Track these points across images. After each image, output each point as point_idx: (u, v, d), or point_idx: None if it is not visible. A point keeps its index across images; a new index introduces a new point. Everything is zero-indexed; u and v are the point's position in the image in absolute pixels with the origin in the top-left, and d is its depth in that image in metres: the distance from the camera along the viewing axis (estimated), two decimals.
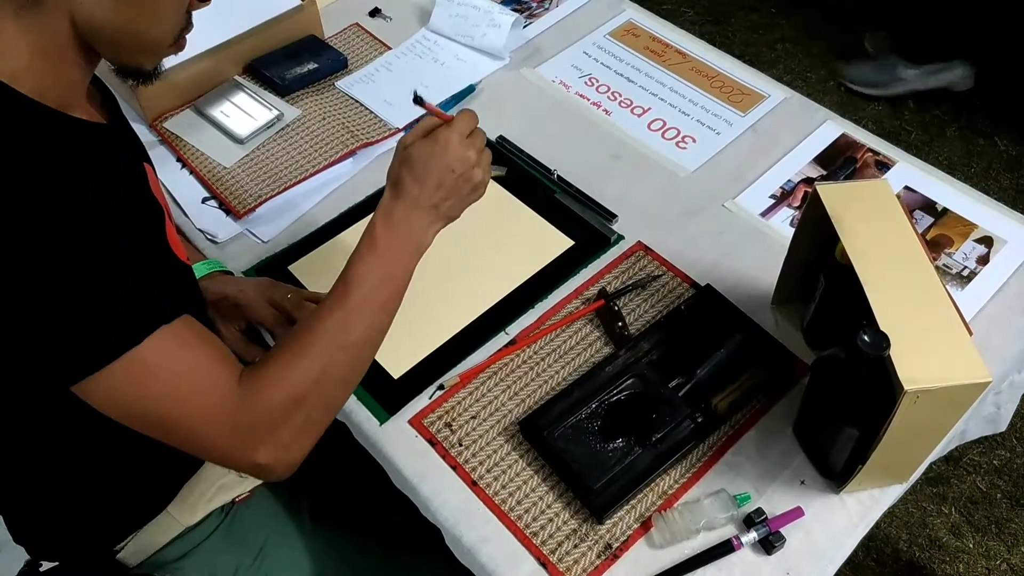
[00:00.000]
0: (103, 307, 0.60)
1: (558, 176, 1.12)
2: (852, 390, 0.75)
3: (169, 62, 0.75)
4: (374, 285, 0.74)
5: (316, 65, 1.25)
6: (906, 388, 0.67)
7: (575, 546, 0.80)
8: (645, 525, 0.81)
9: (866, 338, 0.69)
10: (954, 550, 1.53)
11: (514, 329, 0.97)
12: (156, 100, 1.19)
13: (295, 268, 1.04)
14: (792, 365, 0.91)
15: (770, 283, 0.96)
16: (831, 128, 1.18)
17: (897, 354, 0.69)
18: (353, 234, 1.07)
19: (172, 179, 1.14)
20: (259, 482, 0.95)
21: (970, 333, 0.79)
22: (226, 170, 1.15)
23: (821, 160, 1.14)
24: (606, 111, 1.22)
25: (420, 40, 1.33)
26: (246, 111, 1.19)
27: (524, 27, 1.34)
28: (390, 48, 1.32)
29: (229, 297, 0.95)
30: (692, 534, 0.80)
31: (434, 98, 1.20)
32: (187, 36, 0.72)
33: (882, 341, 0.69)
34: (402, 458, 0.87)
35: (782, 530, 0.79)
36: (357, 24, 1.37)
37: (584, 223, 1.06)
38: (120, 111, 0.79)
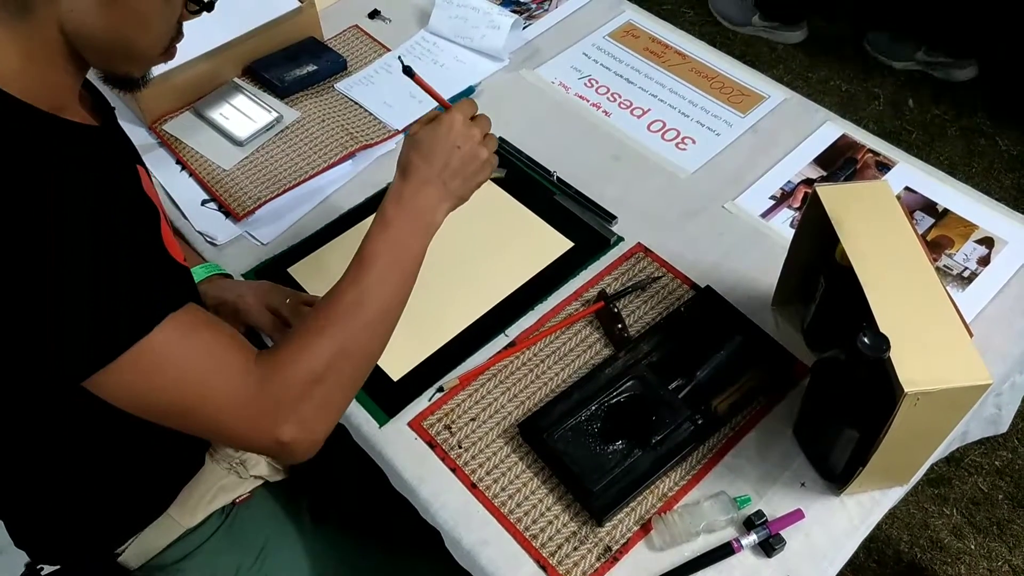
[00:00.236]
0: (110, 300, 0.60)
1: (558, 178, 1.12)
2: (852, 392, 0.75)
3: (169, 64, 0.75)
4: (388, 263, 0.74)
5: (315, 67, 1.25)
6: (906, 390, 0.67)
7: (575, 548, 0.80)
8: (645, 527, 0.81)
9: (866, 340, 0.69)
10: (956, 551, 1.53)
11: (514, 331, 0.97)
12: (155, 102, 1.19)
13: (294, 270, 1.04)
14: (792, 366, 0.91)
15: (770, 284, 0.96)
16: (831, 129, 1.17)
17: (897, 356, 0.69)
18: (353, 236, 1.07)
19: (171, 181, 1.15)
20: (259, 483, 0.95)
21: (971, 334, 0.79)
22: (225, 172, 1.15)
23: (821, 161, 1.14)
24: (606, 112, 1.22)
25: (419, 42, 1.33)
26: (245, 113, 1.19)
27: (523, 28, 1.34)
28: (389, 50, 1.32)
29: (228, 302, 0.95)
30: (692, 536, 0.80)
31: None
32: (183, 40, 0.72)
33: (882, 343, 0.69)
34: (401, 460, 0.87)
35: (782, 532, 0.79)
36: (356, 26, 1.37)
37: (584, 225, 1.06)
38: (112, 114, 0.79)
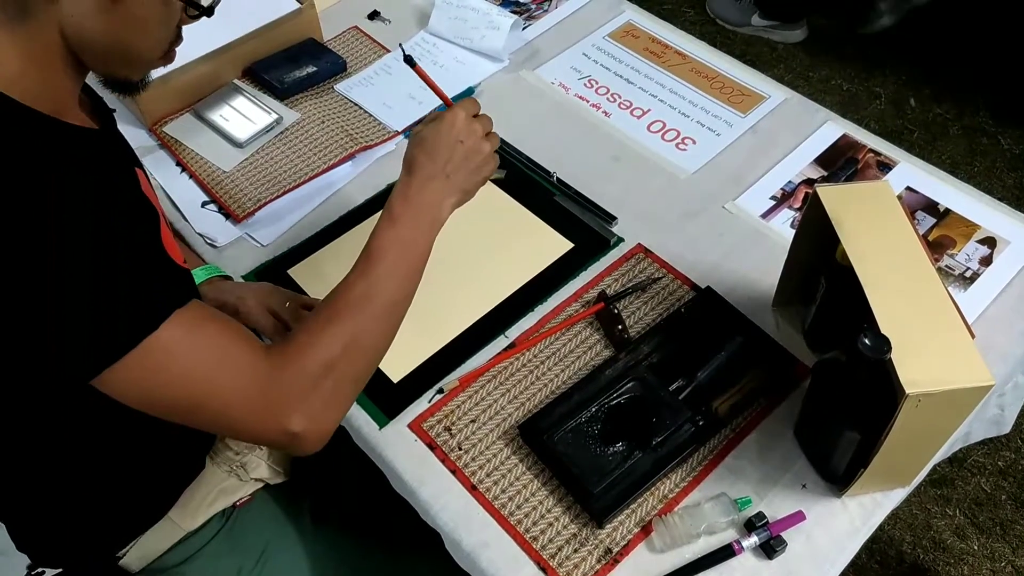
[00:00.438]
0: (115, 298, 0.60)
1: (557, 178, 1.11)
2: (853, 393, 0.74)
3: (169, 66, 0.75)
4: (395, 257, 0.76)
5: (315, 68, 1.25)
6: (907, 392, 0.67)
7: (575, 550, 0.80)
8: (645, 529, 0.81)
9: (867, 341, 0.69)
10: (958, 552, 1.52)
11: (513, 332, 0.96)
12: (155, 104, 1.19)
13: (294, 272, 1.04)
14: (793, 367, 0.91)
15: (771, 285, 0.96)
16: (832, 129, 1.17)
17: (898, 357, 0.68)
18: (354, 237, 1.07)
19: (171, 183, 1.15)
20: (260, 486, 0.95)
21: (972, 335, 0.79)
22: (225, 174, 1.15)
23: (822, 161, 1.13)
24: (606, 113, 1.21)
25: (419, 43, 1.33)
26: (245, 115, 1.19)
27: (523, 29, 1.34)
28: (389, 51, 1.32)
29: (228, 305, 0.95)
30: (693, 538, 0.79)
31: (434, 100, 1.20)
32: (183, 42, 0.72)
33: (883, 344, 0.69)
34: (401, 462, 0.87)
35: (783, 534, 0.79)
36: (356, 27, 1.37)
37: (584, 225, 1.06)
38: (111, 117, 0.79)
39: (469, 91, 1.24)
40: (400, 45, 0.83)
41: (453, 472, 0.85)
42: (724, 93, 1.23)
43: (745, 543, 0.78)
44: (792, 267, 0.92)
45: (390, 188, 1.11)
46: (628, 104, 1.22)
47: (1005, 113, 2.23)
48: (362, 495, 1.01)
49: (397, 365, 0.93)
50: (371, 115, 1.22)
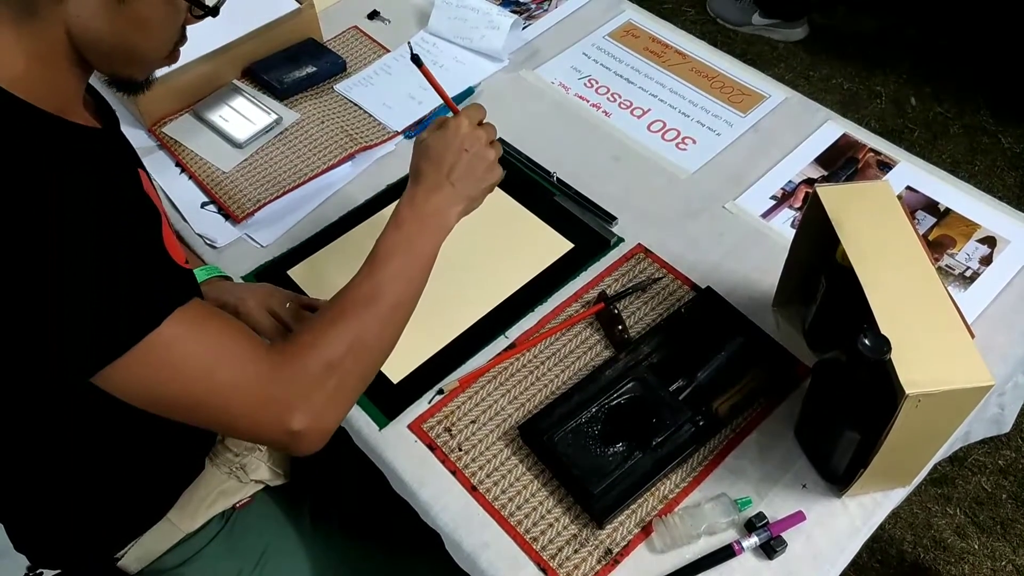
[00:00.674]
0: (116, 296, 0.61)
1: (557, 178, 1.11)
2: (853, 394, 0.74)
3: (168, 67, 0.75)
4: (401, 261, 0.77)
5: (315, 68, 1.25)
6: (907, 392, 0.67)
7: (575, 551, 0.80)
8: (646, 530, 0.81)
9: (867, 341, 0.69)
10: (959, 551, 1.52)
11: (514, 333, 0.96)
12: (155, 105, 1.19)
13: (294, 273, 1.04)
14: (793, 367, 0.91)
15: (771, 285, 0.96)
16: (832, 128, 1.17)
17: (898, 357, 0.68)
18: (353, 238, 1.07)
19: (171, 184, 1.14)
20: (259, 488, 0.95)
21: (972, 336, 0.78)
22: (225, 175, 1.14)
23: (822, 160, 1.13)
24: (606, 112, 1.21)
25: (419, 42, 1.33)
26: (245, 115, 1.19)
27: (523, 29, 1.34)
28: (389, 51, 1.32)
29: (228, 305, 0.95)
30: (693, 539, 0.79)
31: (434, 100, 1.20)
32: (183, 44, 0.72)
33: (883, 345, 0.68)
34: (401, 463, 0.87)
35: (784, 534, 0.79)
36: (356, 27, 1.37)
37: (584, 225, 1.06)
38: (114, 117, 0.79)
39: (469, 91, 1.24)
40: (408, 43, 0.84)
41: (453, 473, 0.85)
42: (724, 93, 1.23)
43: (745, 543, 0.78)
44: (792, 267, 0.92)
45: (390, 188, 1.12)
46: (628, 104, 1.22)
47: (1006, 112, 2.23)
48: (362, 496, 1.01)
49: (397, 366, 0.93)
50: (371, 115, 1.22)
